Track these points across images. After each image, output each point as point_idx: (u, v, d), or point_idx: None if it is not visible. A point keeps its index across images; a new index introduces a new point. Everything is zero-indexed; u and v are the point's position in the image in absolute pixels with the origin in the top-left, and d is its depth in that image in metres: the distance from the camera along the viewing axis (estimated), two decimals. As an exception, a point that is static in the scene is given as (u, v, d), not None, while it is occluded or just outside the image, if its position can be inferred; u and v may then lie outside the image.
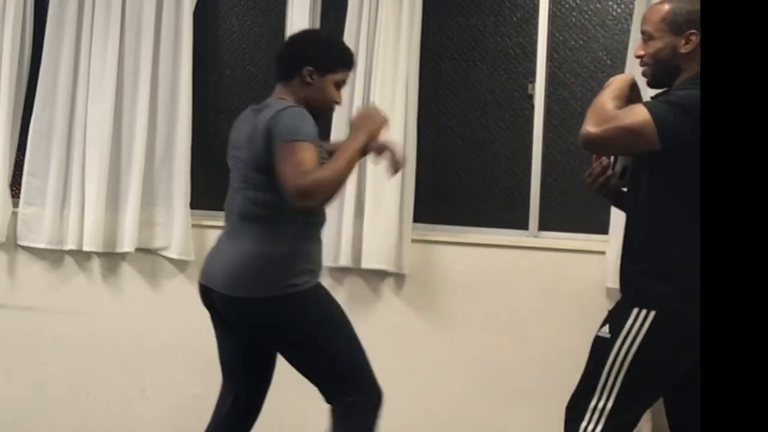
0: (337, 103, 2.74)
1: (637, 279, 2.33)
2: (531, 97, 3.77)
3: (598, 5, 3.77)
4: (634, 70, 3.53)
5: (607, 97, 2.29)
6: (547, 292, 3.65)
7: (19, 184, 3.94)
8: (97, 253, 3.90)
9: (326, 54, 2.68)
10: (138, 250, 3.85)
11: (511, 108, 3.83)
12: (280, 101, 2.60)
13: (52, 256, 3.94)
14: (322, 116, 2.75)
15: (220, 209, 3.96)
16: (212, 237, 3.89)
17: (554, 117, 3.77)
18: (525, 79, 3.80)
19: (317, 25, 3.94)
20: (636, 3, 3.56)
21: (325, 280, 3.78)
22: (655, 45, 2.36)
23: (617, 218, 3.56)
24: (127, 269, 3.92)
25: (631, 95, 2.37)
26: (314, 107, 2.62)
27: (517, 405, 3.68)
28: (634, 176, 2.41)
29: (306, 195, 2.42)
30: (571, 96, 3.77)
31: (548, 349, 3.64)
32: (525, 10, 3.82)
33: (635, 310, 2.27)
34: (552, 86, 3.77)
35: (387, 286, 3.73)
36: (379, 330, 3.77)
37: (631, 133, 2.20)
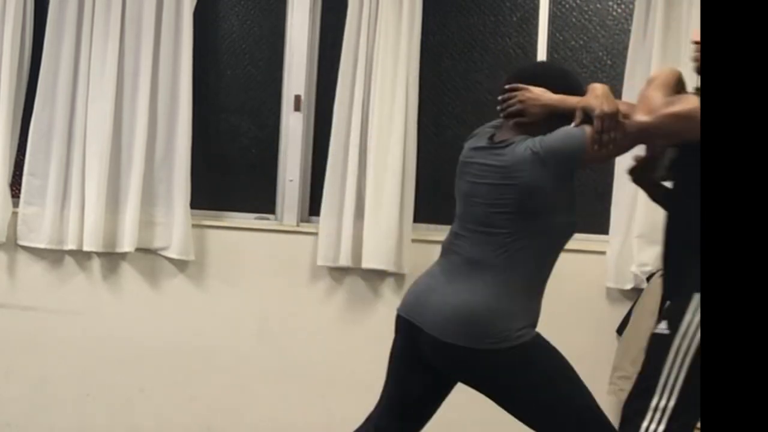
0: None
1: (695, 267, 2.14)
2: (531, 97, 3.76)
3: (598, 5, 3.77)
4: (634, 69, 3.55)
5: (655, 88, 2.24)
6: (547, 292, 3.64)
7: (19, 184, 3.93)
8: (97, 253, 3.90)
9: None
10: (138, 250, 3.85)
11: (511, 108, 3.82)
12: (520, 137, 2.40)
13: (52, 256, 3.94)
14: None
15: (220, 209, 4.02)
16: (212, 237, 3.93)
17: (554, 117, 3.76)
18: (525, 79, 3.79)
19: (317, 26, 3.94)
20: (636, 3, 3.56)
21: (326, 281, 3.82)
22: None
23: (617, 218, 3.57)
24: (127, 269, 3.92)
25: (677, 89, 2.31)
26: None
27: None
28: (683, 166, 2.34)
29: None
30: (571, 96, 3.76)
31: (548, 349, 3.63)
32: (525, 10, 3.82)
33: (696, 297, 2.17)
34: (552, 86, 3.76)
35: (387, 286, 3.73)
36: (379, 330, 3.75)
37: (684, 119, 2.15)
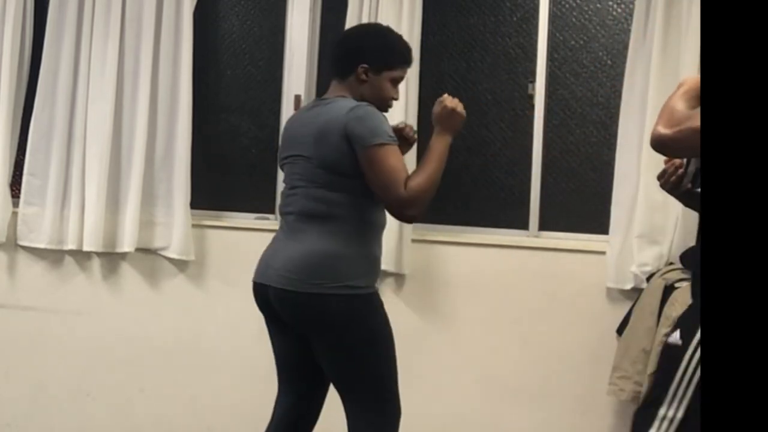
0: (395, 99, 2.70)
1: None
2: (531, 97, 3.77)
3: (598, 5, 3.77)
4: (634, 69, 3.55)
5: (679, 98, 2.20)
6: (547, 292, 3.65)
7: (19, 184, 3.93)
8: (97, 253, 3.90)
9: (381, 50, 2.65)
10: (138, 250, 3.85)
11: (512, 108, 3.83)
12: (344, 99, 2.59)
13: (52, 256, 3.94)
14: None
15: (220, 209, 4.02)
16: (212, 237, 3.94)
17: (554, 117, 3.77)
18: (525, 79, 3.80)
19: (317, 25, 3.94)
20: (636, 3, 3.56)
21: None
22: None
23: (617, 218, 3.57)
24: (127, 269, 3.92)
25: None
26: (371, 104, 2.57)
27: (517, 405, 3.68)
28: None
29: (409, 205, 2.46)
30: (571, 96, 3.77)
31: (548, 349, 3.64)
32: (525, 10, 3.82)
33: None
34: (552, 86, 3.77)
35: (387, 286, 3.73)
36: (379, 330, 3.77)
37: None
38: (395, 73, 2.66)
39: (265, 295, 2.63)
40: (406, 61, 2.70)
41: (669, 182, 2.46)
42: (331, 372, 2.60)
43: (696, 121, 2.12)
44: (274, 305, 2.60)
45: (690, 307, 2.32)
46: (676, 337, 2.24)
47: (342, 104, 2.54)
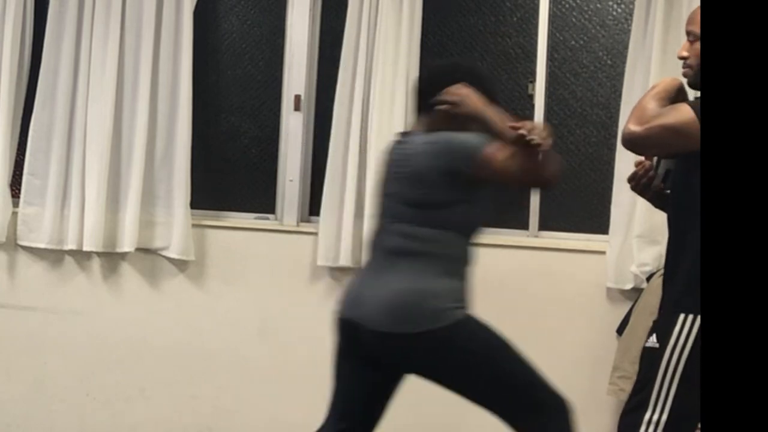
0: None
1: (682, 278, 2.23)
2: (531, 97, 3.77)
3: (598, 5, 3.77)
4: (634, 69, 3.55)
5: (651, 97, 2.22)
6: (547, 292, 3.65)
7: (19, 184, 3.93)
8: (97, 253, 3.90)
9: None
10: (138, 250, 3.85)
11: (511, 108, 3.81)
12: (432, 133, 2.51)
13: (52, 256, 3.94)
14: None
15: (220, 209, 4.02)
16: (212, 237, 3.93)
17: (554, 117, 3.77)
18: (525, 79, 3.80)
19: (317, 25, 3.94)
20: (636, 3, 3.56)
21: (326, 281, 3.82)
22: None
23: (617, 218, 3.57)
24: (127, 269, 3.92)
25: (677, 98, 2.27)
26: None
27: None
28: (679, 178, 2.33)
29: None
30: (571, 96, 3.77)
31: (548, 349, 3.63)
32: (525, 10, 3.82)
33: (681, 316, 2.19)
34: (552, 86, 3.77)
35: (387, 286, 3.72)
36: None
37: (675, 132, 2.14)
38: None
39: (352, 332, 2.53)
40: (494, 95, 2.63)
41: (640, 184, 2.48)
42: (474, 400, 2.52)
43: (665, 119, 2.14)
44: (370, 346, 2.50)
45: (661, 308, 2.32)
46: (653, 340, 2.25)
47: (430, 138, 2.51)
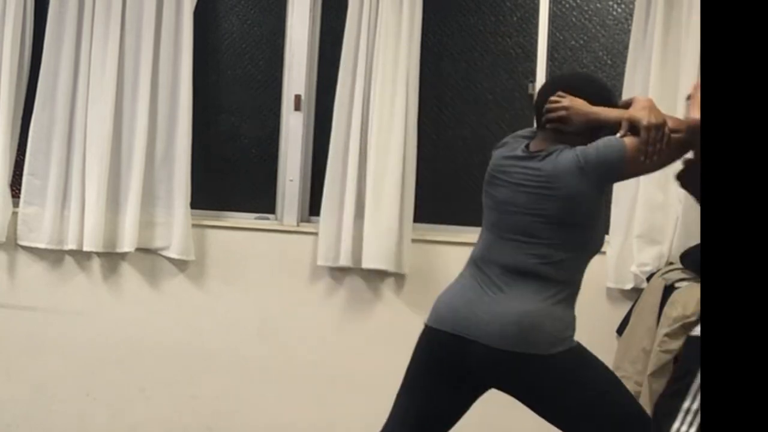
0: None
1: None
2: (531, 97, 3.77)
3: (598, 5, 3.77)
4: (634, 69, 3.55)
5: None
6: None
7: (19, 184, 3.93)
8: (97, 253, 3.90)
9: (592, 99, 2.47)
10: (138, 250, 3.85)
11: (512, 108, 3.83)
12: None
13: (52, 256, 3.94)
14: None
15: (220, 209, 4.02)
16: (212, 237, 3.94)
17: (554, 117, 3.76)
18: (525, 78, 3.80)
19: (317, 25, 3.94)
20: (636, 3, 3.56)
21: (326, 281, 3.82)
22: None
23: (617, 218, 3.57)
24: (127, 269, 3.92)
25: None
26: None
27: (518, 404, 3.67)
28: None
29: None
30: (571, 96, 3.76)
31: (548, 349, 3.63)
32: (525, 9, 3.82)
33: None
34: (552, 86, 3.76)
35: (387, 286, 3.73)
36: (379, 330, 3.77)
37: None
38: None
39: (457, 347, 2.44)
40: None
41: (689, 174, 2.42)
42: (566, 428, 2.50)
43: None
44: (479, 363, 2.43)
45: None
46: (698, 330, 2.24)
47: (560, 152, 2.45)
